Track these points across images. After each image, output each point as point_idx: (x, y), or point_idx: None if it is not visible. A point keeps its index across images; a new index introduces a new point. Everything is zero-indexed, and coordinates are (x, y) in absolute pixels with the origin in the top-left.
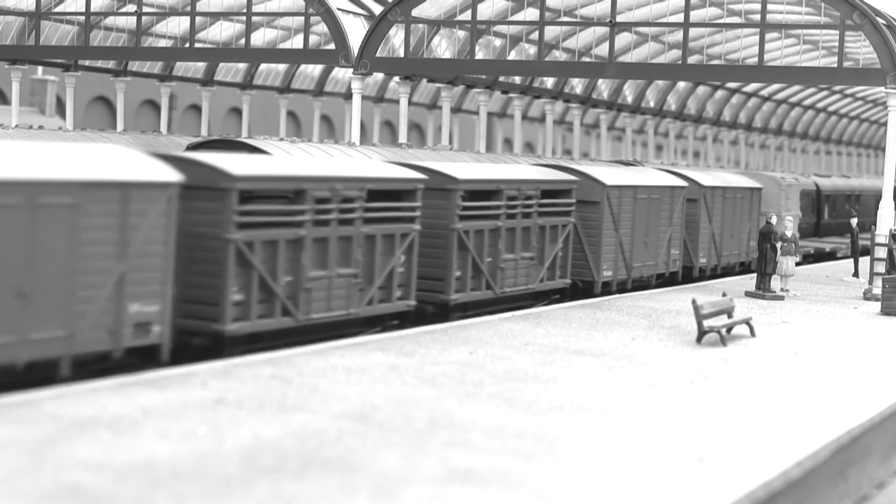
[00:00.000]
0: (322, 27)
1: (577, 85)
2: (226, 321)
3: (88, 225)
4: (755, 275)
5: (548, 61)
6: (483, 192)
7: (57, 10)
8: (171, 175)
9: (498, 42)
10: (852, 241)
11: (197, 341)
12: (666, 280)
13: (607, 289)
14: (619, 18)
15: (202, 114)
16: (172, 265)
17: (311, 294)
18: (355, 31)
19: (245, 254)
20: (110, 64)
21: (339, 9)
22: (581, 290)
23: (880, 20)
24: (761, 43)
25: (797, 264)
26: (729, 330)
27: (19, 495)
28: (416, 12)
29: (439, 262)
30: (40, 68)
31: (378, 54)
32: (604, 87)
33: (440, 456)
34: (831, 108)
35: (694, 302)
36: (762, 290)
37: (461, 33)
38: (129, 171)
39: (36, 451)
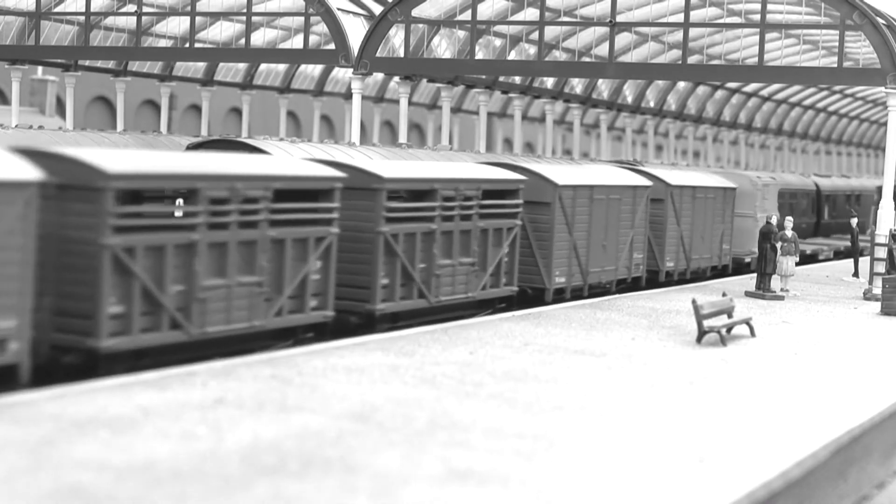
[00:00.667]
0: (322, 27)
1: (577, 85)
2: (101, 336)
3: None
4: (755, 275)
5: (548, 61)
6: (417, 193)
7: (57, 10)
8: (30, 173)
9: (498, 42)
10: (852, 241)
11: (68, 359)
12: (628, 286)
13: (560, 296)
14: (619, 18)
15: (202, 114)
16: (32, 274)
17: (205, 305)
18: (355, 31)
19: (124, 261)
20: (110, 64)
21: (339, 9)
22: (531, 297)
23: (880, 20)
24: (761, 43)
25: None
26: (729, 330)
27: (19, 495)
28: (416, 12)
29: (364, 269)
30: (40, 68)
31: (378, 54)
32: (604, 87)
33: (440, 456)
34: (831, 108)
35: (694, 302)
36: (762, 290)
37: (461, 33)
38: None
39: (36, 451)
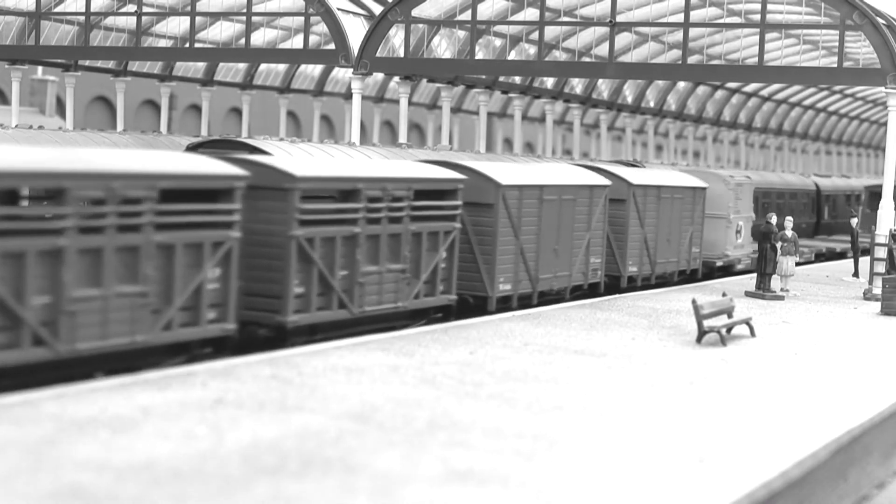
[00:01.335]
0: (322, 27)
1: (577, 85)
2: None
3: None
4: (755, 275)
5: (548, 61)
6: (341, 193)
7: (57, 10)
8: None
9: (498, 42)
10: (852, 241)
11: None
12: (585, 292)
13: (506, 304)
14: (619, 18)
15: (202, 114)
16: None
17: (75, 318)
18: (355, 31)
19: None
20: (110, 64)
21: (339, 9)
22: (473, 306)
23: (880, 20)
24: (761, 43)
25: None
26: (729, 330)
27: (19, 495)
28: (416, 12)
29: (274, 277)
30: (40, 68)
31: (378, 54)
32: (604, 87)
33: (440, 456)
34: (831, 108)
35: (694, 302)
36: (762, 290)
37: (461, 33)
38: None
39: (36, 451)
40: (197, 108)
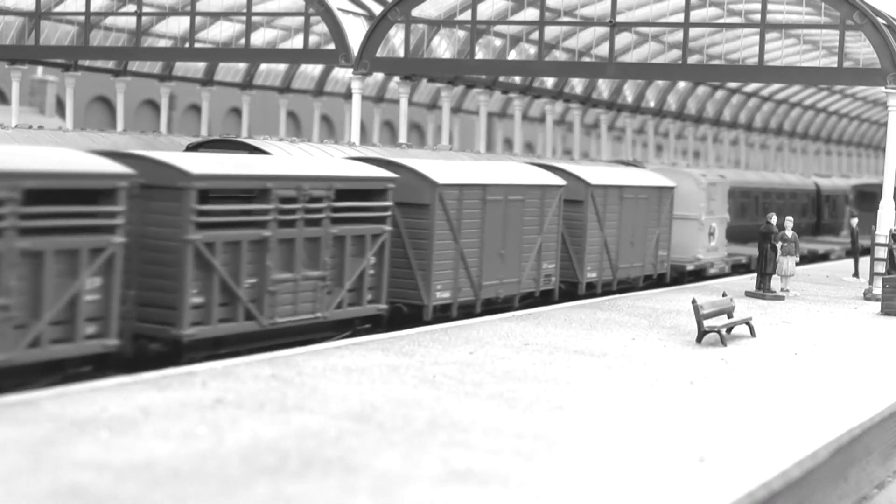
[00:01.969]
0: (322, 27)
1: (577, 85)
2: None
3: None
4: (755, 275)
5: (548, 61)
6: (249, 193)
7: (57, 10)
8: None
9: (498, 42)
10: (852, 241)
11: None
12: (538, 300)
13: (445, 313)
14: (619, 18)
15: (202, 114)
16: None
17: None
18: (355, 31)
19: None
20: (110, 64)
21: (339, 9)
22: (407, 315)
23: (880, 20)
24: (761, 43)
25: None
26: (729, 330)
27: (19, 495)
28: (416, 12)
29: (169, 286)
30: (40, 68)
31: (378, 54)
32: (604, 87)
33: (440, 456)
34: (831, 108)
35: (694, 302)
36: (762, 290)
37: (461, 33)
38: None
39: (36, 451)
40: (197, 108)
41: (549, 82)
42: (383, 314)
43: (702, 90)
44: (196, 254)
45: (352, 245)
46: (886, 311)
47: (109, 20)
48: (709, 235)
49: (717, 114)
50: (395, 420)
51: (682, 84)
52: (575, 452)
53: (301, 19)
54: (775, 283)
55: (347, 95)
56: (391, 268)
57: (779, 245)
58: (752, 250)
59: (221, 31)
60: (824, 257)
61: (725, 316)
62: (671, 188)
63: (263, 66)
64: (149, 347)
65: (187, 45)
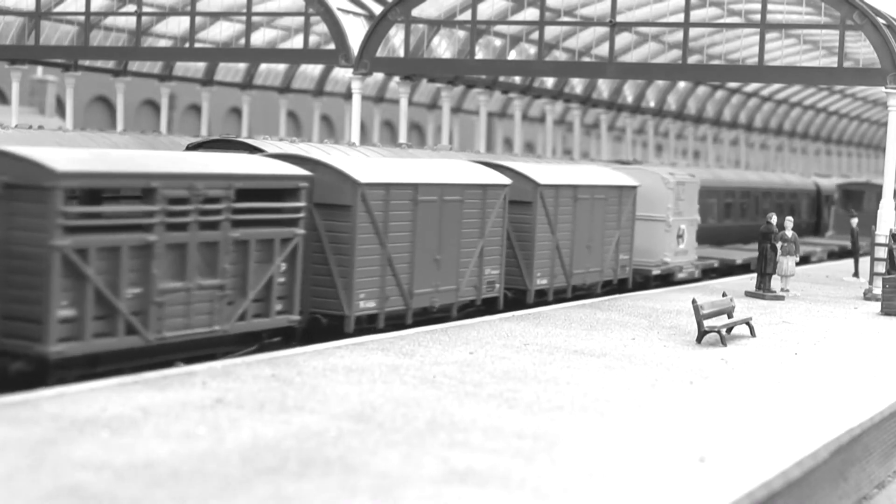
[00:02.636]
0: (322, 27)
1: (577, 85)
2: None
3: None
4: (755, 275)
5: (548, 61)
6: (129, 193)
7: (57, 10)
8: None
9: (498, 42)
10: (853, 241)
11: None
12: (482, 309)
13: (371, 323)
14: (619, 18)
15: (202, 114)
16: None
17: None
18: (355, 31)
19: None
20: (110, 64)
21: (339, 9)
22: (326, 327)
23: (880, 20)
24: (761, 43)
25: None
26: (729, 330)
27: (19, 495)
28: (416, 12)
29: (32, 297)
30: (40, 68)
31: (378, 54)
32: (604, 87)
33: (440, 456)
34: (831, 108)
35: (694, 302)
36: (762, 290)
37: (461, 33)
38: None
39: (36, 451)
40: (197, 108)
41: (549, 82)
42: (296, 326)
43: (702, 90)
44: (65, 261)
45: (257, 250)
46: (886, 311)
47: (109, 20)
48: (677, 238)
49: (717, 114)
50: (395, 420)
51: (682, 84)
52: (575, 452)
53: (301, 19)
54: (775, 283)
55: (347, 95)
56: (310, 275)
57: (779, 245)
58: (726, 253)
59: (221, 31)
60: (805, 259)
61: (725, 316)
62: (633, 187)
63: (263, 66)
64: (10, 367)
65: (187, 45)
